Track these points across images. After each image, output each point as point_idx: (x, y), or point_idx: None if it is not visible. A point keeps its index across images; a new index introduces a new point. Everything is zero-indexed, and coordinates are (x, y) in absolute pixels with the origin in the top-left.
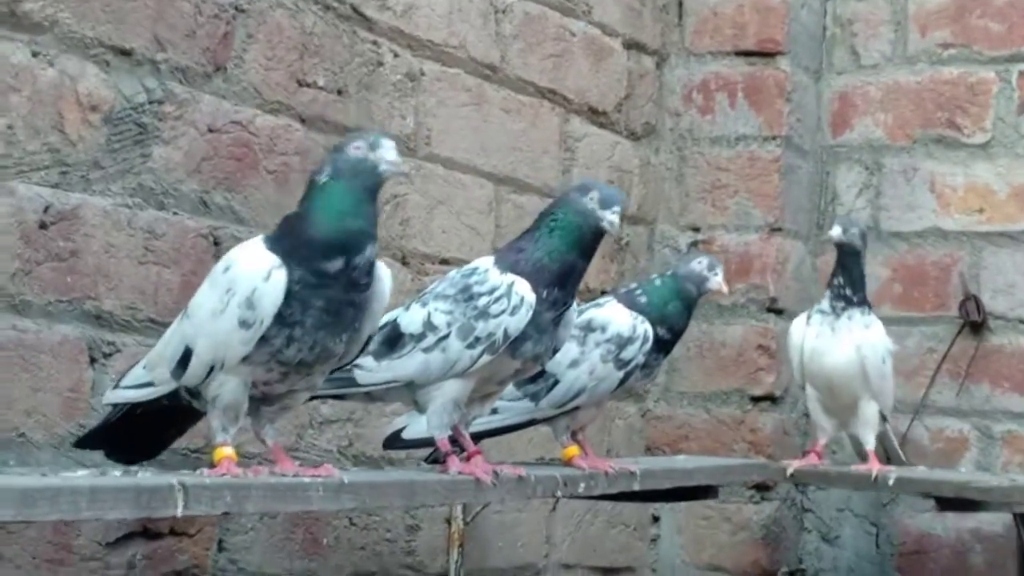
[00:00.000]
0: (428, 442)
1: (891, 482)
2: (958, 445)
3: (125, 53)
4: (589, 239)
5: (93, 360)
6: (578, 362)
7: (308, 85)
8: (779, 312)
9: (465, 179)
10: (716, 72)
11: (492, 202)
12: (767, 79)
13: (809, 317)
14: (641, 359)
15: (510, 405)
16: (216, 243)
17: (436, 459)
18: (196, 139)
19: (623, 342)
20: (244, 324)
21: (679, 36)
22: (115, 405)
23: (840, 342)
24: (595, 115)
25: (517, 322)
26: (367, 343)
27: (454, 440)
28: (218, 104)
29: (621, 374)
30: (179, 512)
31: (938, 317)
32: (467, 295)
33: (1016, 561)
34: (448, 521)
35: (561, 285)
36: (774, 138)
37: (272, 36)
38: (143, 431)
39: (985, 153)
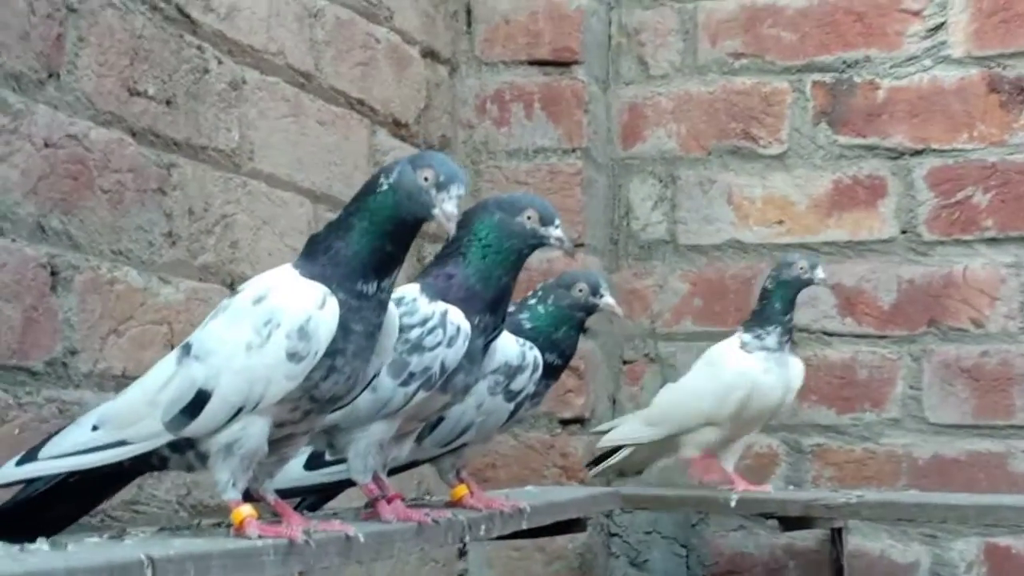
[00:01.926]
0: (296, 492)
1: (733, 503)
2: (768, 461)
3: None
4: (521, 259)
5: None
6: None
7: (139, 94)
8: (584, 331)
9: (286, 196)
10: (510, 82)
11: (311, 221)
12: (564, 89)
13: (745, 349)
14: (531, 389)
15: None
16: (53, 272)
17: (312, 506)
18: (32, 155)
19: (512, 372)
20: (294, 357)
21: (468, 44)
22: (36, 480)
23: (783, 378)
24: (398, 127)
25: (454, 354)
26: (370, 382)
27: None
28: (53, 115)
29: (511, 406)
30: None
31: None
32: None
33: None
34: None
35: (493, 310)
36: (575, 150)
37: (104, 39)
38: (62, 503)
39: (782, 164)
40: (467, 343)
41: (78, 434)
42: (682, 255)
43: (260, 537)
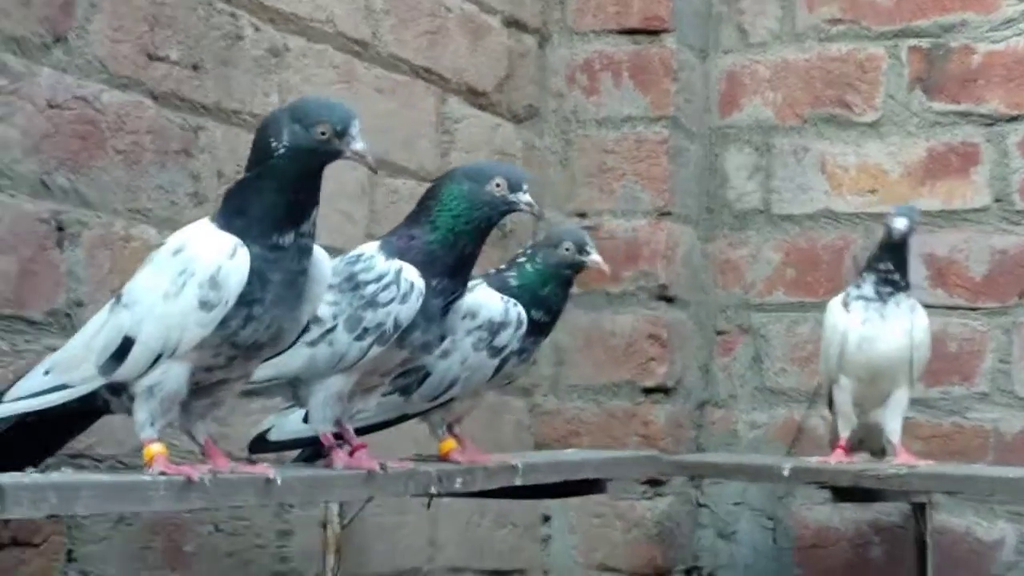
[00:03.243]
0: (297, 443)
1: (786, 473)
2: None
3: None
4: (490, 227)
5: None
6: (449, 352)
7: (160, 59)
8: (670, 300)
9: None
10: (600, 51)
11: (365, 186)
12: (653, 58)
13: (846, 304)
14: (516, 345)
15: (381, 400)
16: (60, 228)
17: (308, 458)
18: (34, 115)
19: (495, 328)
20: (205, 305)
21: (561, 14)
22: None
23: (891, 328)
24: (474, 96)
25: (407, 311)
26: (304, 331)
27: (337, 435)
28: (59, 78)
29: (496, 362)
30: None
31: None
32: (352, 284)
33: (914, 552)
34: (323, 525)
35: (452, 274)
36: (661, 119)
37: (119, 5)
38: (23, 445)
39: (876, 132)
40: (421, 300)
41: (32, 378)
42: (775, 225)
43: (162, 474)
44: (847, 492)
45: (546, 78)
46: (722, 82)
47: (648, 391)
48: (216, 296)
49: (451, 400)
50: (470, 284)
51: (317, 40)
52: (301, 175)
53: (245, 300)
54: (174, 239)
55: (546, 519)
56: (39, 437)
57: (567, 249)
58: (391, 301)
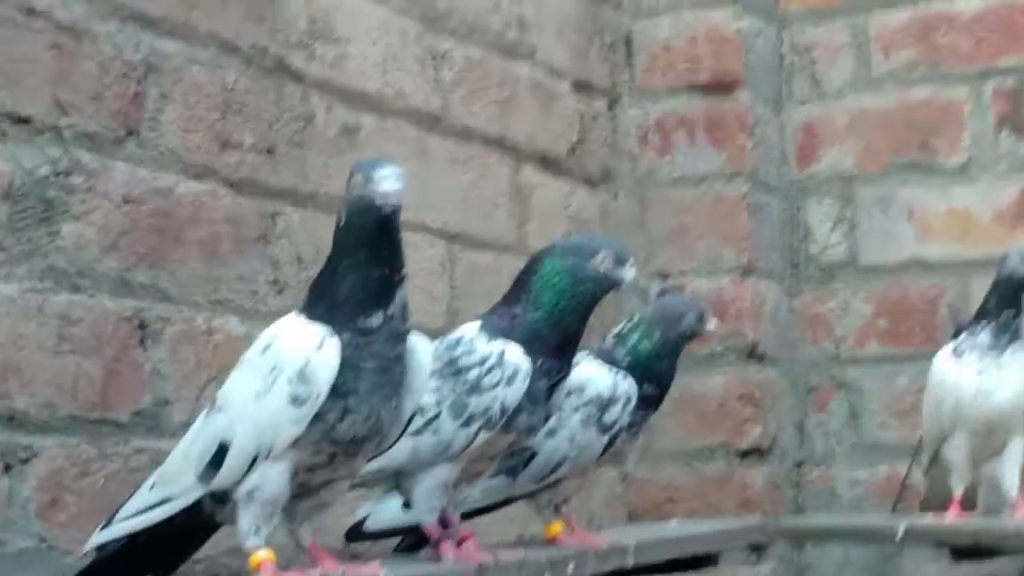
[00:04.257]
0: (394, 532)
1: (900, 535)
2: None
3: (23, 121)
4: (595, 303)
5: (8, 467)
6: (556, 430)
7: (234, 146)
8: (760, 358)
9: (414, 238)
10: (672, 110)
11: (444, 261)
12: (727, 113)
13: (959, 353)
14: (626, 420)
15: (486, 483)
16: (142, 326)
17: (409, 547)
18: (111, 211)
19: (604, 403)
20: (296, 400)
21: (629, 74)
22: (106, 545)
23: (1009, 378)
24: (547, 162)
25: (514, 394)
26: (408, 424)
27: (442, 523)
28: (133, 171)
29: (605, 439)
30: None
31: (929, 352)
32: (454, 368)
33: None
34: None
35: (557, 354)
36: (739, 175)
37: (189, 95)
38: (139, 566)
39: (964, 176)
40: (527, 382)
41: (141, 495)
42: (864, 276)
43: None
44: (964, 551)
45: (618, 140)
46: (798, 134)
47: (743, 453)
48: (306, 390)
49: (558, 480)
50: (576, 359)
51: (389, 116)
52: (361, 240)
53: (339, 392)
54: (264, 337)
55: None
56: (154, 557)
57: (688, 321)
58: (496, 385)
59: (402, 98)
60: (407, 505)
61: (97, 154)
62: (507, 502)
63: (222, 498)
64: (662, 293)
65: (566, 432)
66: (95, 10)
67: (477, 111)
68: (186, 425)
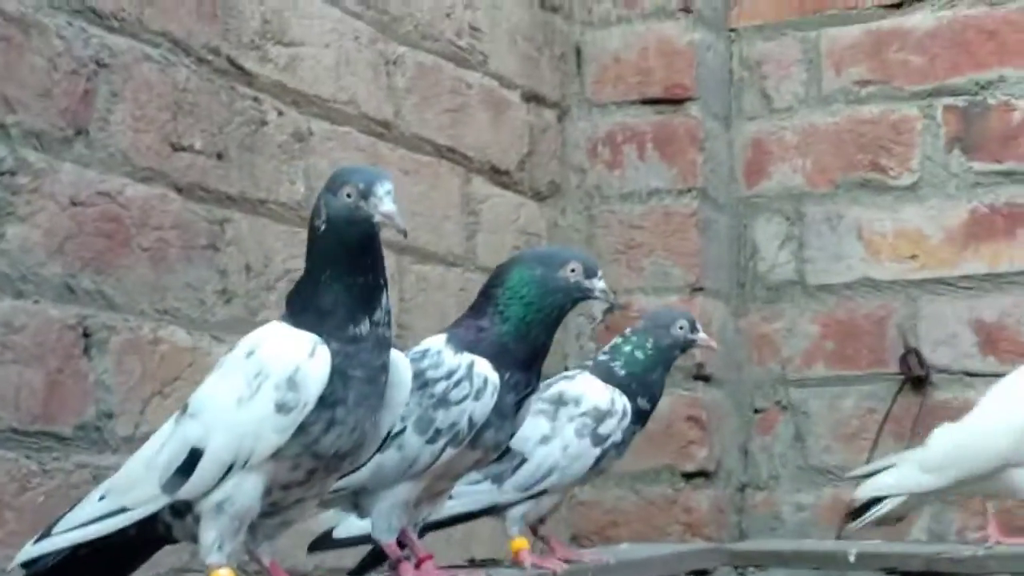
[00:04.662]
0: (362, 540)
1: (852, 558)
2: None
3: None
4: (563, 315)
5: None
6: (549, 438)
7: (184, 149)
8: (706, 379)
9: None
10: (622, 123)
11: (394, 274)
12: (677, 128)
13: None
14: (619, 436)
15: (468, 489)
16: (86, 334)
17: (368, 565)
18: (57, 214)
19: (601, 416)
20: (283, 408)
21: (579, 86)
22: (38, 560)
23: None
24: (497, 174)
25: (482, 408)
26: (384, 441)
27: (401, 544)
28: (81, 173)
29: (598, 451)
30: None
31: (876, 374)
32: (420, 382)
33: None
34: None
35: (526, 368)
36: (690, 191)
37: (140, 94)
38: None
39: (914, 195)
40: (496, 396)
41: (87, 505)
42: (812, 296)
43: None
44: (891, 574)
45: (567, 153)
46: (747, 150)
47: (689, 476)
48: (294, 398)
49: (543, 492)
50: (571, 373)
51: (341, 122)
52: (347, 249)
53: (327, 402)
54: (246, 341)
55: None
56: (94, 573)
57: (681, 328)
58: (464, 399)
59: (354, 104)
60: (362, 517)
61: (44, 153)
62: (490, 510)
63: (181, 511)
64: (605, 314)
65: (559, 441)
66: (44, 1)
67: (429, 119)
68: (129, 440)
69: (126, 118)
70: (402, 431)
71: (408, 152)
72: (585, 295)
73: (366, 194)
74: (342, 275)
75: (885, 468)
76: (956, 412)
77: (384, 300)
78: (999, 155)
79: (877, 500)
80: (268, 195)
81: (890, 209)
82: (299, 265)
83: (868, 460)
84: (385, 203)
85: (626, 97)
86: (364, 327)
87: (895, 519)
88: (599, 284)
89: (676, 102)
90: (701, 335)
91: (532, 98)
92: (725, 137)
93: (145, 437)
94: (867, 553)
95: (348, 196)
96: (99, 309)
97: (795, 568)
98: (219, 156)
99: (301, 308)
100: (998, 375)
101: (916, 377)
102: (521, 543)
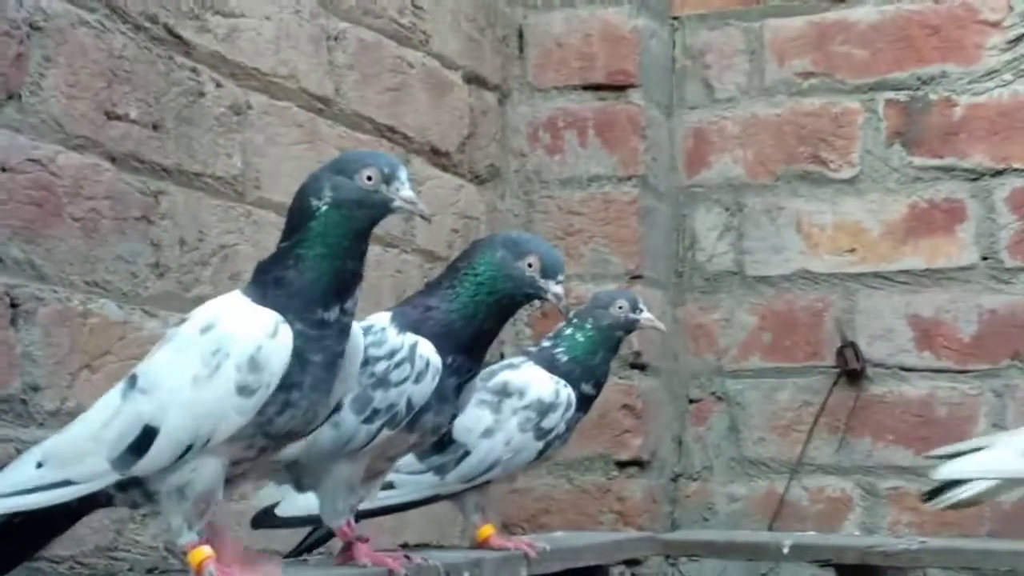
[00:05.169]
0: (306, 520)
1: (786, 550)
2: (840, 505)
3: None
4: (514, 307)
5: None
6: (492, 431)
7: (119, 118)
8: (642, 368)
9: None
10: (563, 108)
11: None
12: (620, 114)
13: None
14: (563, 428)
15: (411, 479)
16: (13, 304)
17: (318, 540)
18: None
19: (544, 409)
20: (244, 390)
21: (521, 69)
22: None
23: None
24: (437, 156)
25: (422, 391)
26: (332, 412)
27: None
28: (12, 138)
29: (541, 444)
30: None
31: (812, 367)
32: (362, 359)
33: None
34: None
35: (469, 352)
36: (630, 178)
37: (75, 59)
38: (7, 544)
39: (854, 188)
40: (437, 380)
41: (21, 472)
42: (750, 287)
43: None
44: (851, 569)
45: (507, 137)
46: (688, 139)
47: (622, 465)
48: (256, 380)
49: (487, 483)
50: (515, 361)
51: (280, 97)
52: (348, 235)
53: (283, 384)
54: (201, 314)
55: None
56: (19, 536)
57: (620, 307)
58: (404, 380)
59: (294, 78)
60: (300, 489)
61: None
62: (432, 500)
63: (127, 485)
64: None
65: (502, 435)
66: None
67: (370, 97)
68: (56, 414)
69: (59, 84)
70: (338, 408)
71: (348, 130)
72: (537, 294)
73: (389, 179)
74: (332, 258)
75: (973, 450)
76: (891, 406)
77: (358, 288)
78: (939, 151)
79: (958, 483)
80: (204, 168)
81: (830, 202)
82: (234, 241)
83: (802, 453)
84: (406, 189)
85: (568, 82)
86: (333, 313)
87: (973, 503)
88: (554, 288)
89: (618, 88)
90: (645, 315)
91: (473, 80)
92: (667, 125)
93: (72, 411)
94: (801, 545)
95: (368, 179)
96: (28, 279)
97: (728, 559)
98: (155, 127)
99: (272, 283)
100: (936, 371)
101: (852, 371)
102: (488, 529)
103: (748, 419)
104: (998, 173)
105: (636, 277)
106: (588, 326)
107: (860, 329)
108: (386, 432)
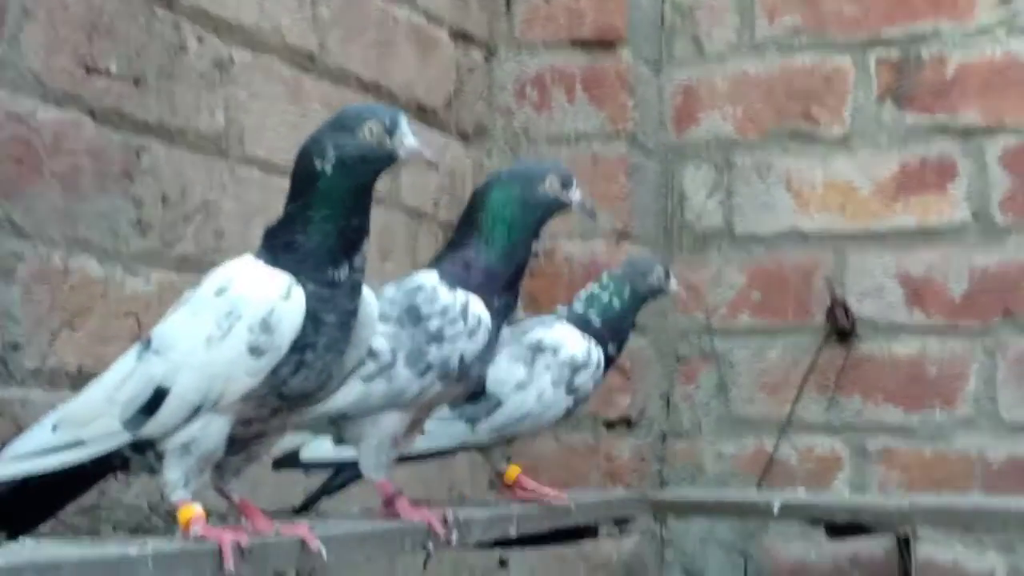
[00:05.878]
0: (326, 464)
1: (776, 510)
2: (830, 464)
3: None
4: (541, 228)
5: None
6: (525, 384)
7: (99, 72)
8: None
9: (284, 184)
10: (551, 64)
11: None
12: (608, 71)
13: None
14: (591, 386)
15: (442, 427)
16: None
17: (339, 485)
18: None
19: (577, 367)
20: (255, 351)
21: (507, 25)
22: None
23: None
24: (423, 113)
25: (474, 346)
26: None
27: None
28: None
29: (571, 401)
30: None
31: (802, 326)
32: (414, 316)
33: None
34: None
35: (511, 287)
36: (618, 135)
37: (54, 13)
38: (25, 506)
39: (844, 146)
40: (488, 336)
41: (39, 435)
42: (739, 245)
43: (201, 538)
44: (839, 527)
45: (494, 94)
46: (677, 96)
47: (610, 424)
48: (268, 341)
49: (514, 436)
50: (547, 320)
51: (263, 51)
52: (354, 193)
53: (297, 345)
54: (216, 277)
55: (503, 564)
56: (39, 499)
57: (658, 277)
58: (458, 336)
59: (278, 33)
60: (340, 442)
61: None
62: (460, 449)
63: (142, 447)
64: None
65: (535, 389)
66: None
67: (354, 53)
68: (37, 372)
69: (38, 37)
70: (392, 363)
71: (332, 86)
72: (564, 206)
73: (392, 130)
74: (337, 216)
75: None
76: (881, 365)
77: (364, 245)
78: (931, 108)
79: None
80: (187, 124)
81: (820, 160)
82: (217, 197)
83: (791, 412)
84: (410, 138)
85: (556, 38)
86: (343, 272)
87: None
88: (576, 195)
89: (607, 45)
90: (673, 284)
91: (460, 36)
92: (655, 82)
93: (55, 370)
94: (791, 504)
95: (370, 132)
96: (7, 236)
97: (717, 518)
98: (136, 82)
99: (282, 246)
100: (926, 328)
101: (842, 329)
102: (516, 469)
103: (737, 378)
104: (990, 131)
105: (624, 235)
106: (626, 292)
107: (850, 287)
108: (438, 385)
